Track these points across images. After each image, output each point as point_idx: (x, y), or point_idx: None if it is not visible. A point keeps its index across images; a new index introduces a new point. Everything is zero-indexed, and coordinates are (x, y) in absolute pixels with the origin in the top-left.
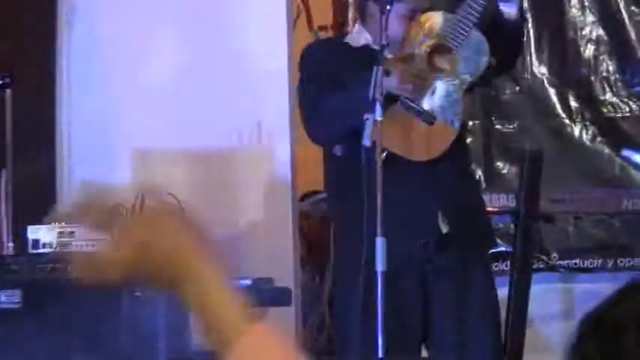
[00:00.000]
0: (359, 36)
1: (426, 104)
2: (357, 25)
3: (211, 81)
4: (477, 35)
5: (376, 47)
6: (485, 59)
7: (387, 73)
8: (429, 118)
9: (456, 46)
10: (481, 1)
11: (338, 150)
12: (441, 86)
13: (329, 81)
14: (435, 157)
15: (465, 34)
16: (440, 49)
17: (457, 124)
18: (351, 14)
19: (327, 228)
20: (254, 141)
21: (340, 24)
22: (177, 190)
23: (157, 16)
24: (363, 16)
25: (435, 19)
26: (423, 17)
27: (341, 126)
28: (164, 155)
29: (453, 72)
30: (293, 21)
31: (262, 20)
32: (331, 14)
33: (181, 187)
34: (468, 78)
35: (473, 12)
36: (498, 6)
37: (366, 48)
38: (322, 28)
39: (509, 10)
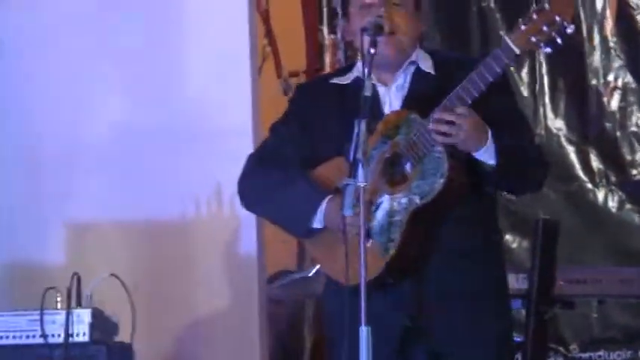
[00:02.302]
0: (353, 70)
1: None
2: (357, 62)
3: (161, 139)
4: (438, 152)
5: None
6: (441, 182)
7: (370, 129)
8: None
9: (416, 160)
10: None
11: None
12: (386, 202)
13: (296, 142)
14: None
15: (429, 149)
16: (398, 158)
17: (391, 252)
18: (328, 58)
19: (301, 314)
20: (213, 209)
21: (315, 70)
22: (122, 271)
23: (96, 61)
24: (354, 49)
25: (404, 119)
26: (391, 115)
27: (268, 208)
28: (105, 228)
29: (406, 188)
30: (258, 67)
31: (222, 66)
32: (304, 58)
33: (126, 267)
34: (416, 201)
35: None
36: (471, 155)
37: (357, 82)
38: (293, 74)
39: (486, 161)
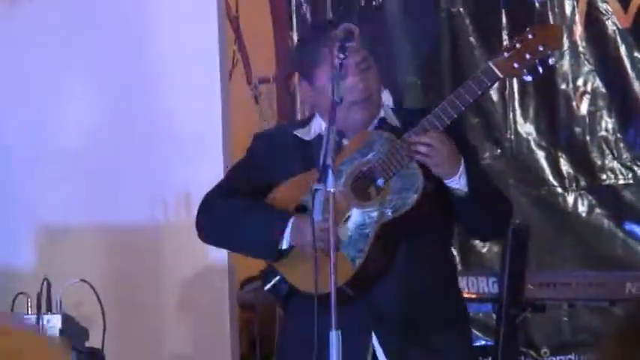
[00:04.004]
0: (313, 125)
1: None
2: (315, 118)
3: (131, 144)
4: (412, 168)
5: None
6: (414, 197)
7: (339, 139)
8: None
9: (389, 176)
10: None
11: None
12: (356, 215)
13: (256, 186)
14: (324, 292)
15: (403, 165)
16: (371, 174)
17: (358, 263)
18: None
19: (272, 319)
20: (182, 214)
21: (285, 77)
22: (91, 275)
23: (66, 68)
24: (315, 104)
25: (376, 138)
26: (364, 133)
27: (231, 238)
28: (75, 233)
29: (376, 203)
30: (228, 72)
31: (192, 72)
32: (274, 64)
33: (96, 271)
34: (388, 214)
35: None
36: (443, 182)
37: (320, 138)
38: (263, 80)
39: (458, 187)
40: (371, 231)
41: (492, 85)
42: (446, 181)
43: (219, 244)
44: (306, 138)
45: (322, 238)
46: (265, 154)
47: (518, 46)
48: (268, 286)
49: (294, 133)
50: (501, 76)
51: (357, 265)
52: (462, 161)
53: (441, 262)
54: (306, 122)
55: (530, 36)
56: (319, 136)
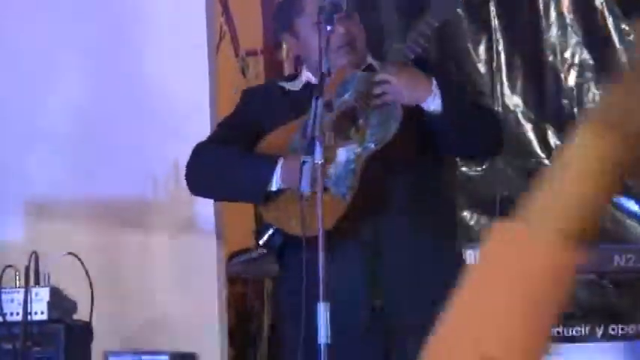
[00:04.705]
0: (301, 77)
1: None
2: (303, 69)
3: (118, 119)
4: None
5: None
6: (395, 126)
7: (328, 106)
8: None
9: (366, 113)
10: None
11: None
12: (341, 153)
13: (246, 136)
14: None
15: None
16: (349, 113)
17: (348, 197)
18: None
19: (260, 293)
20: (170, 188)
21: (273, 47)
22: (79, 249)
23: (54, 44)
24: (301, 57)
25: (350, 78)
26: (337, 73)
27: (219, 185)
28: (63, 206)
29: (358, 139)
30: (215, 45)
31: (179, 45)
32: (261, 37)
33: (84, 245)
34: (372, 147)
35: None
36: (421, 111)
37: (307, 87)
38: (251, 53)
39: (433, 108)
40: (357, 166)
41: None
42: (422, 106)
43: (207, 191)
44: (294, 88)
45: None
46: (253, 106)
47: None
48: (263, 240)
49: (281, 84)
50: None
51: (348, 201)
52: (434, 82)
53: (438, 195)
54: (294, 77)
55: None
56: (307, 85)
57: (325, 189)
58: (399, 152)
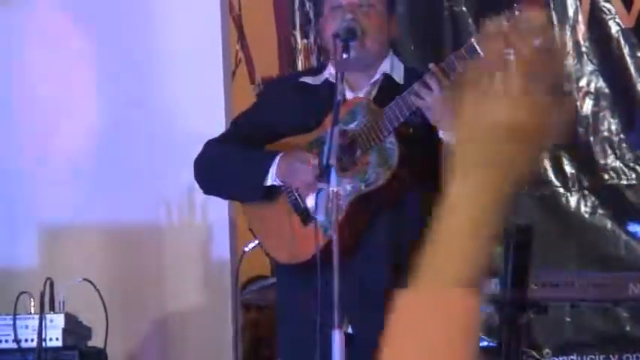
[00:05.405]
0: (324, 72)
1: (310, 200)
2: (328, 64)
3: (134, 144)
4: (390, 142)
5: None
6: (388, 173)
7: (342, 136)
8: (307, 218)
9: (367, 148)
10: (405, 111)
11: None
12: (322, 196)
13: (257, 134)
14: (297, 262)
15: (381, 138)
16: (353, 144)
17: (329, 234)
18: (301, 63)
19: (274, 320)
20: (185, 214)
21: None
22: (94, 275)
23: (71, 69)
24: (326, 51)
25: (359, 107)
26: (348, 102)
27: (221, 179)
28: (78, 232)
29: (351, 175)
30: (231, 72)
31: (195, 71)
32: (277, 63)
33: (99, 271)
34: (362, 187)
35: (396, 118)
36: (435, 131)
37: (326, 83)
38: (267, 79)
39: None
40: (344, 202)
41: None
42: (441, 133)
43: (212, 188)
44: (315, 83)
45: (305, 173)
46: (271, 98)
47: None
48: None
49: (302, 79)
50: (482, 53)
51: (328, 236)
52: None
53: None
54: (317, 70)
55: (516, 13)
56: (327, 81)
57: (310, 216)
58: (395, 192)
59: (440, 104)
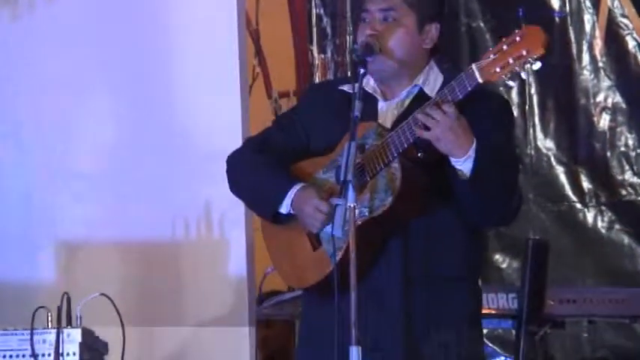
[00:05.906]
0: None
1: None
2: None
3: (151, 160)
4: (394, 169)
5: (374, 95)
6: (389, 199)
7: (361, 149)
8: (317, 243)
9: (373, 174)
10: (409, 139)
11: None
12: (339, 212)
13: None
14: (304, 287)
15: (386, 163)
16: (361, 167)
17: (336, 259)
18: (318, 78)
19: (291, 335)
20: (203, 232)
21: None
22: (112, 291)
23: (86, 86)
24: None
25: (370, 132)
26: (363, 125)
27: (244, 188)
28: (95, 248)
29: (357, 200)
30: (248, 86)
31: (212, 86)
32: (294, 78)
33: (116, 287)
34: (365, 213)
35: (400, 144)
36: (449, 161)
37: (361, 92)
38: (283, 94)
39: (462, 169)
40: (349, 229)
41: (474, 89)
42: (452, 160)
43: (236, 191)
44: (351, 91)
45: (313, 220)
46: (309, 106)
47: (505, 47)
48: None
49: (340, 87)
50: (480, 81)
51: (336, 261)
52: (474, 146)
53: (448, 246)
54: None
55: (517, 38)
56: (363, 90)
57: (319, 241)
58: (404, 214)
59: (447, 134)
